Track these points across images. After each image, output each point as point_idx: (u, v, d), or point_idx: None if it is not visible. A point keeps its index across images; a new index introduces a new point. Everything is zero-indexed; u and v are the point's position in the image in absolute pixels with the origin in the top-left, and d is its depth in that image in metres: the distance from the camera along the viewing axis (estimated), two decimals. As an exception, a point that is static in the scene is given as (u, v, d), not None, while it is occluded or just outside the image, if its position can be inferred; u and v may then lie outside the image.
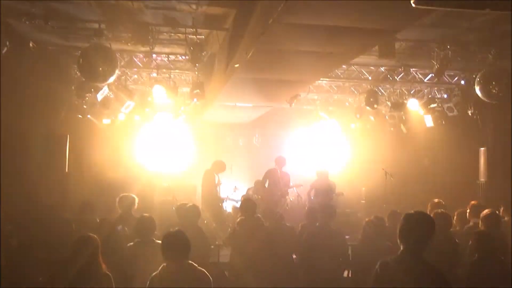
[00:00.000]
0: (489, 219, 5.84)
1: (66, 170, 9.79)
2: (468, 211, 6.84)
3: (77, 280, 4.35)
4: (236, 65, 7.19)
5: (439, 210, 6.07)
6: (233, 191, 12.46)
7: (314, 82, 10.84)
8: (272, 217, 7.23)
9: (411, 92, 11.68)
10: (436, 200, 7.28)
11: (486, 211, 6.03)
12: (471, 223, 6.62)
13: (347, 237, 6.92)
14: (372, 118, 13.04)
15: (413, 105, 11.40)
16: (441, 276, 3.47)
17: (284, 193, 11.40)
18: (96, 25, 7.90)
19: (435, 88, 11.91)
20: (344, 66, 10.30)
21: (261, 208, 8.42)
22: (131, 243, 5.46)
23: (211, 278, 4.27)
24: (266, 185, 11.19)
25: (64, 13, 7.66)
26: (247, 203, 6.93)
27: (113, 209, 7.60)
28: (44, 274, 5.35)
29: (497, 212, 6.41)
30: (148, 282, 4.24)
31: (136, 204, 6.98)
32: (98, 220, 6.85)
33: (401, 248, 3.54)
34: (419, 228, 3.51)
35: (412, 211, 3.66)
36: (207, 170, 10.82)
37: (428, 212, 6.73)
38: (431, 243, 3.53)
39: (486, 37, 8.53)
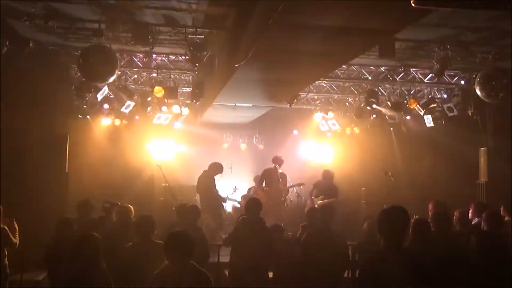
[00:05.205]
0: (491, 219, 5.84)
1: (66, 170, 9.78)
2: (471, 210, 6.85)
3: (77, 279, 4.34)
4: (236, 65, 7.18)
5: (440, 210, 6.07)
6: (233, 191, 12.45)
7: (314, 82, 10.84)
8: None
9: (411, 92, 11.67)
10: (437, 199, 7.28)
11: (489, 211, 6.03)
12: (473, 223, 6.63)
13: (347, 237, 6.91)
14: (372, 118, 13.01)
15: (413, 105, 11.39)
16: (422, 262, 3.72)
17: (286, 193, 11.33)
18: (96, 25, 7.89)
19: (435, 88, 11.90)
20: (344, 66, 10.29)
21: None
22: (130, 244, 5.43)
23: (212, 279, 4.26)
24: (264, 184, 11.05)
25: (64, 13, 7.67)
26: (253, 203, 6.68)
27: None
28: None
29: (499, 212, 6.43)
30: (149, 281, 4.23)
31: (133, 213, 6.75)
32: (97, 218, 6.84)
33: (382, 242, 3.70)
34: (396, 221, 3.70)
35: (387, 206, 3.88)
36: (205, 171, 10.79)
37: (429, 212, 6.77)
38: (408, 233, 3.84)
39: (486, 37, 8.53)
